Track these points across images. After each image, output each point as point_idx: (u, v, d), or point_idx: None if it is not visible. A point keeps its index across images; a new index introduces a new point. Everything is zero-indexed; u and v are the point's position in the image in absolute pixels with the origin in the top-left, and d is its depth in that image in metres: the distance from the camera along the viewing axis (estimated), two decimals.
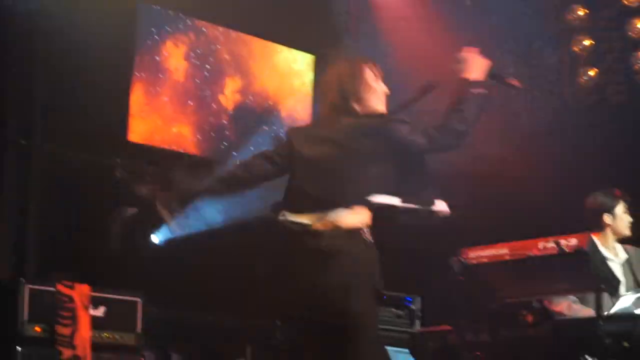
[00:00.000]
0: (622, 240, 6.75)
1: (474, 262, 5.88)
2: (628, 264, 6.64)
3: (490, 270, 5.83)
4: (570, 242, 5.62)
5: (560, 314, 6.25)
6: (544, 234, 5.72)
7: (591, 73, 9.22)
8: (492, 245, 5.96)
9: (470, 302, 5.93)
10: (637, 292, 6.07)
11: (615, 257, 6.66)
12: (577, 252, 5.57)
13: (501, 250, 5.89)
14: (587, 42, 9.25)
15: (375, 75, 4.59)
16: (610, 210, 6.67)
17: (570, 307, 6.24)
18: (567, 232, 5.59)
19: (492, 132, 8.30)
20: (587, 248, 5.55)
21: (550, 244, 5.66)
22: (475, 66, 4.53)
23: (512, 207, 8.47)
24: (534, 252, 5.72)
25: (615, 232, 6.66)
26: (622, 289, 6.27)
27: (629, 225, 6.69)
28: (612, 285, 5.72)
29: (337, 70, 4.61)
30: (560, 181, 8.59)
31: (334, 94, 4.53)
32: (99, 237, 7.79)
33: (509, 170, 8.80)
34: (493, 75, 4.61)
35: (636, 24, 8.95)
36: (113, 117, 8.17)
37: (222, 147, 8.91)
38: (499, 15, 9.14)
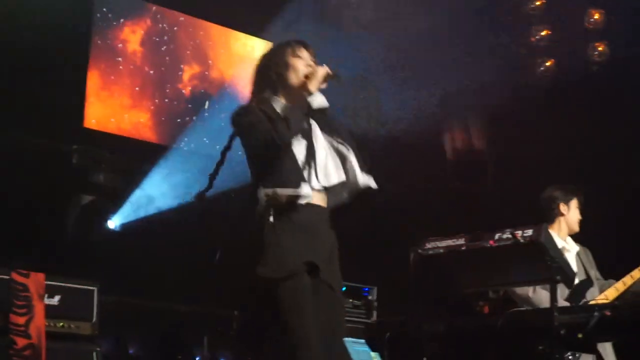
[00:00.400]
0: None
1: (431, 252, 5.90)
2: (578, 257, 6.72)
3: (447, 260, 5.86)
4: (525, 233, 5.66)
5: (524, 298, 6.30)
6: (500, 225, 5.76)
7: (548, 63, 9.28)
8: (448, 236, 5.99)
9: (427, 293, 5.94)
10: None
11: (570, 248, 6.74)
12: (533, 242, 5.60)
13: (458, 241, 5.91)
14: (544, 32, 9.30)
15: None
16: (566, 201, 6.76)
17: (535, 290, 6.29)
18: (522, 223, 5.63)
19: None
20: (542, 239, 5.59)
21: (506, 235, 5.69)
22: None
23: (469, 198, 8.53)
24: (490, 243, 5.74)
25: (567, 225, 6.75)
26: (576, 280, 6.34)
27: (578, 222, 6.78)
28: (567, 276, 5.76)
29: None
30: (518, 173, 8.65)
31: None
32: (55, 224, 7.72)
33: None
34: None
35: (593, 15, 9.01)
36: (69, 103, 8.07)
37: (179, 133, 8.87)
38: None
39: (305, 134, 4.54)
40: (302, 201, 4.37)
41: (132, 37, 8.68)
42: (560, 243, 6.57)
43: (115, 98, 8.48)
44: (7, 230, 7.49)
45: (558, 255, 5.71)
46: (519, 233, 5.63)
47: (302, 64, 4.67)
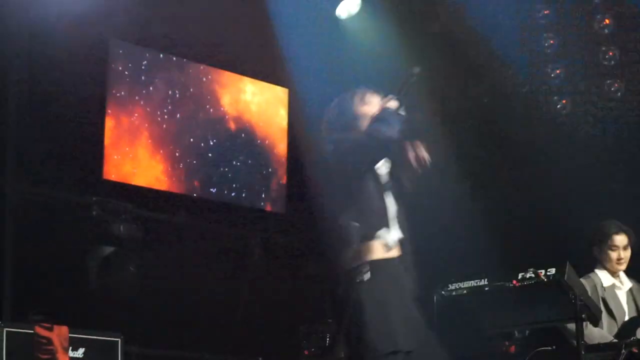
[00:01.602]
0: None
1: (454, 294, 5.90)
2: (631, 293, 6.63)
3: (471, 301, 5.85)
4: (549, 272, 5.65)
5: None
6: (524, 264, 5.76)
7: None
8: (471, 277, 5.98)
9: (453, 334, 5.92)
10: None
11: (621, 284, 6.65)
12: (556, 281, 5.60)
13: (481, 282, 5.90)
14: None
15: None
16: (597, 244, 6.67)
17: (587, 325, 6.22)
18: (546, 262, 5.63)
19: None
20: (565, 277, 5.58)
21: (529, 275, 5.69)
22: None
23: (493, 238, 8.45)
24: (514, 283, 5.74)
25: (609, 264, 6.63)
26: (625, 316, 6.34)
27: (617, 261, 6.62)
28: (593, 315, 5.74)
29: None
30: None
31: None
32: (77, 276, 7.73)
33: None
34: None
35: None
36: (88, 155, 8.10)
37: (199, 183, 8.88)
38: None
39: None
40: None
41: (149, 87, 8.72)
42: (608, 281, 6.53)
43: (134, 149, 8.51)
44: (30, 284, 7.51)
45: (583, 293, 5.70)
46: (542, 272, 5.63)
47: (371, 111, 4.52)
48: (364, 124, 4.47)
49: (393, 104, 4.38)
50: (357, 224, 4.29)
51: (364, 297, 4.20)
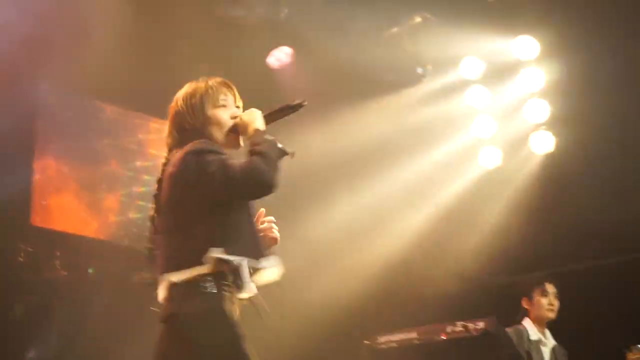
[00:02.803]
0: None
1: (384, 347, 5.94)
2: (553, 353, 6.68)
3: (400, 354, 5.89)
4: (477, 325, 5.73)
5: None
6: (452, 318, 5.83)
7: None
8: (401, 330, 6.03)
9: None
10: None
11: (546, 340, 6.68)
12: (484, 334, 5.67)
13: (410, 334, 5.96)
14: None
15: None
16: (527, 295, 6.74)
17: None
18: (476, 316, 5.70)
19: None
20: (492, 330, 5.66)
21: (458, 328, 5.76)
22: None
23: (420, 292, 8.54)
24: (443, 336, 5.80)
25: (538, 316, 6.69)
26: None
27: (548, 310, 6.72)
28: None
29: None
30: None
31: None
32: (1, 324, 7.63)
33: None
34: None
35: None
36: (15, 200, 8.01)
37: (132, 230, 8.80)
38: None
39: None
40: None
41: (75, 132, 8.63)
42: (535, 335, 6.57)
43: (61, 196, 8.43)
44: None
45: (511, 347, 5.78)
46: (470, 325, 5.71)
47: (226, 114, 4.07)
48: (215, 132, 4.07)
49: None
50: None
51: None
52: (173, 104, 4.10)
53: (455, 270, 8.69)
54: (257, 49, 8.92)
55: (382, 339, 5.95)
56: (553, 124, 8.68)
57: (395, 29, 8.79)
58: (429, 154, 8.85)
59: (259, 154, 3.72)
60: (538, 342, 6.60)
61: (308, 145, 8.73)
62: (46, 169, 8.37)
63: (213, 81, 4.10)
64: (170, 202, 3.82)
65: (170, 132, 4.04)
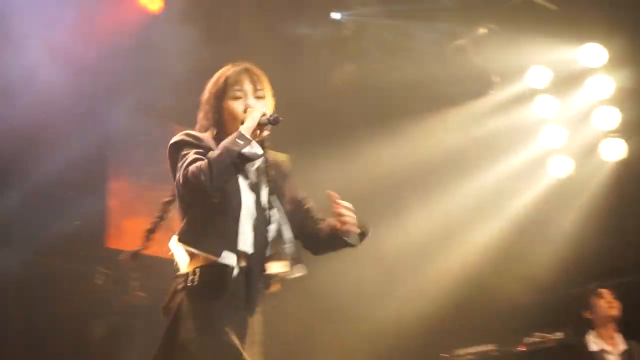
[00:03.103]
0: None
1: (462, 359, 5.94)
2: (628, 355, 6.60)
3: None
4: (555, 335, 5.71)
5: None
6: (528, 329, 5.81)
7: None
8: (477, 342, 6.02)
9: None
10: None
11: (613, 348, 6.63)
12: (562, 344, 5.65)
13: (487, 347, 5.95)
14: None
15: None
16: (588, 305, 6.70)
17: None
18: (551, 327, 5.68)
19: None
20: (570, 340, 5.64)
21: (536, 339, 5.74)
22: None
23: (494, 305, 8.51)
24: (520, 347, 5.79)
25: (601, 324, 6.64)
26: None
27: (609, 316, 6.67)
28: None
29: None
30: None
31: None
32: (81, 346, 7.74)
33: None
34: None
35: None
36: (90, 223, 8.15)
37: None
38: None
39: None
40: None
41: (146, 156, 8.75)
42: (596, 346, 6.49)
43: (135, 218, 8.54)
44: (34, 354, 7.52)
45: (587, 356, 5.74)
46: (548, 336, 5.69)
47: (240, 106, 3.94)
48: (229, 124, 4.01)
49: None
50: None
51: None
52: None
53: (529, 282, 8.63)
54: (321, 66, 8.99)
55: (460, 352, 5.94)
56: (624, 131, 8.61)
57: (459, 42, 8.80)
58: (499, 165, 8.84)
59: (208, 159, 3.69)
60: (601, 353, 6.48)
61: (377, 161, 8.78)
62: (120, 192, 8.50)
63: (233, 70, 3.99)
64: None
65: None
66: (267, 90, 4.02)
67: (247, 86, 3.92)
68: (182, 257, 3.90)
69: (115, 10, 7.75)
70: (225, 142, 3.71)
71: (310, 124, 9.17)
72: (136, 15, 7.87)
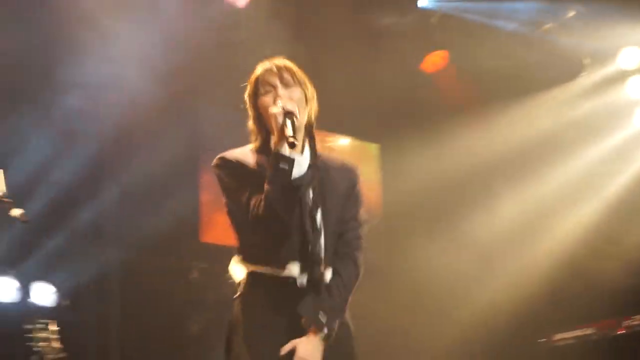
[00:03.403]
0: None
1: (561, 344, 5.86)
2: None
3: (578, 350, 5.80)
4: None
5: None
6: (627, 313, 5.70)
7: None
8: (575, 326, 5.93)
9: None
10: None
11: None
12: None
13: (586, 331, 5.86)
14: None
15: None
16: None
17: None
18: None
19: None
20: None
21: (636, 322, 5.64)
22: None
23: (592, 288, 8.40)
24: (620, 330, 5.69)
25: None
26: None
27: None
28: None
29: None
30: None
31: None
32: (179, 340, 7.84)
33: None
34: None
35: None
36: (185, 219, 8.24)
37: None
38: None
39: None
40: None
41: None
42: None
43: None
44: (134, 347, 7.64)
45: None
46: None
47: (270, 100, 3.79)
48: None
49: None
50: None
51: None
52: None
53: (625, 264, 8.49)
54: (409, 55, 8.96)
55: (558, 336, 5.86)
56: None
57: (549, 25, 8.69)
58: (592, 148, 8.73)
59: (266, 197, 3.60)
60: None
61: (469, 147, 8.73)
62: (212, 186, 8.56)
63: (262, 68, 3.86)
64: None
65: None
66: (299, 79, 3.86)
67: (275, 80, 3.80)
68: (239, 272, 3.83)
69: (200, 7, 7.82)
70: (270, 176, 3.62)
71: (400, 114, 9.17)
72: (222, 11, 7.93)
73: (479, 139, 8.71)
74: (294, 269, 3.67)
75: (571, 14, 8.61)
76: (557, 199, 8.77)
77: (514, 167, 8.93)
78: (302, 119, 3.73)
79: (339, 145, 9.52)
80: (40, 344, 5.87)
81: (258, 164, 3.75)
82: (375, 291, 8.32)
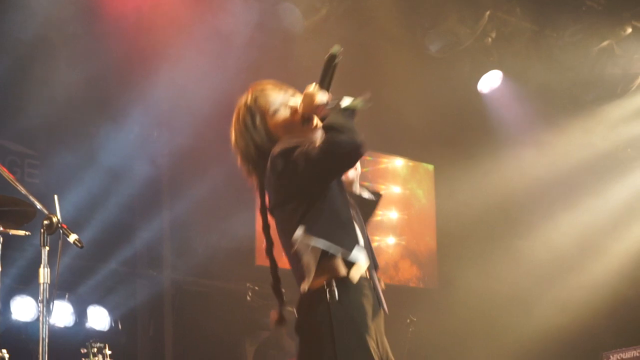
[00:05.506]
0: None
1: None
2: None
3: None
4: None
5: None
6: None
7: None
8: (635, 346, 5.86)
9: None
10: None
11: None
12: None
13: None
14: None
15: None
16: None
17: None
18: None
19: None
20: None
21: None
22: None
23: None
24: None
25: None
26: None
27: None
28: None
29: None
30: None
31: None
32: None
33: None
34: None
35: None
36: (241, 244, 8.27)
37: None
38: None
39: None
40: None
41: None
42: None
43: None
44: None
45: None
46: None
47: (285, 113, 3.78)
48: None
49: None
50: None
51: None
52: None
53: None
54: (466, 75, 8.92)
55: (617, 355, 5.79)
56: None
57: (605, 43, 8.60)
58: None
59: (329, 127, 3.48)
60: None
61: (524, 167, 8.68)
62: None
63: (257, 92, 3.84)
64: (272, 210, 3.73)
65: None
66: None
67: (275, 92, 3.80)
68: (308, 261, 3.65)
69: (255, 30, 7.86)
70: (326, 114, 3.60)
71: (455, 134, 9.12)
72: (275, 33, 7.96)
73: (533, 160, 8.65)
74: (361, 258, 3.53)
75: (628, 30, 8.52)
76: (615, 216, 8.70)
77: (570, 185, 8.87)
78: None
79: (394, 166, 9.50)
80: None
81: None
82: (433, 314, 8.30)
